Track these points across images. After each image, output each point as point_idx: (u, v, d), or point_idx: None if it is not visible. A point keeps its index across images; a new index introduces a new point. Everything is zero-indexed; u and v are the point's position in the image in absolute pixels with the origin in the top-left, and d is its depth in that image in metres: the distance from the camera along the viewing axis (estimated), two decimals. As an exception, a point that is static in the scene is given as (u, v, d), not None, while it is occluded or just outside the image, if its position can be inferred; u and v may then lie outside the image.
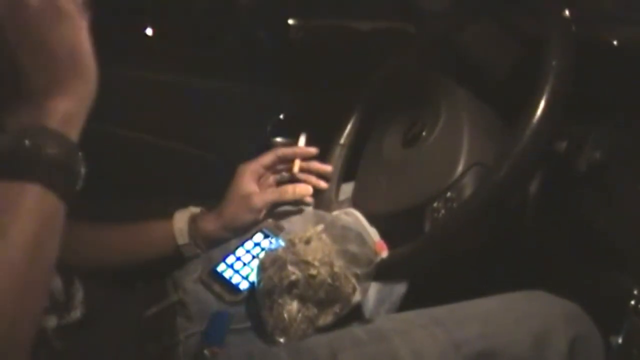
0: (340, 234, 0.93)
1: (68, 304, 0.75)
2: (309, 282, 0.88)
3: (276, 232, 1.04)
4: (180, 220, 1.03)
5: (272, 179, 1.12)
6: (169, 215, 1.05)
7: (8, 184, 0.55)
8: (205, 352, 0.86)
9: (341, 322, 0.89)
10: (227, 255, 1.02)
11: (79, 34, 0.59)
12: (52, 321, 0.71)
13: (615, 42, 0.93)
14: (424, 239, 0.91)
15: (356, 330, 0.86)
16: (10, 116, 0.56)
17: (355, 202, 1.09)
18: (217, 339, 0.89)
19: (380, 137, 1.12)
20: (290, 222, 1.06)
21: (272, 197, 1.05)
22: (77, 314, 0.76)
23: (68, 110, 0.58)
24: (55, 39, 0.57)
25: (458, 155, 0.94)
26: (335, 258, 0.89)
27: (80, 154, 0.58)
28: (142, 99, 1.39)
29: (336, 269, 0.88)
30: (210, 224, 1.04)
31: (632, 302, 0.81)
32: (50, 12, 0.56)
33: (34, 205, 0.55)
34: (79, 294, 0.78)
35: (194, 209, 1.06)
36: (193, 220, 1.04)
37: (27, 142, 0.55)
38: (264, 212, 1.05)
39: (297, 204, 1.09)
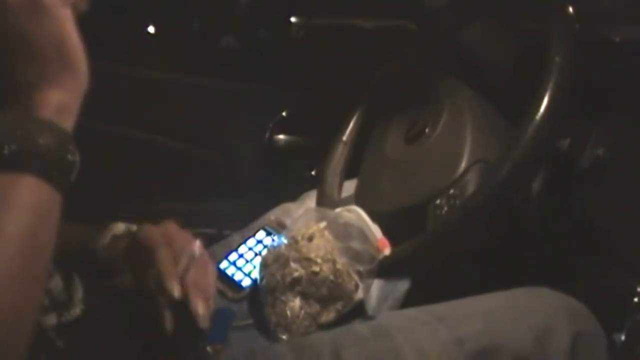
0: (343, 231, 0.93)
1: (68, 302, 0.75)
2: (312, 279, 0.88)
3: (279, 229, 1.04)
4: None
5: None
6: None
7: (1, 176, 0.54)
8: (208, 349, 0.86)
9: (344, 319, 0.89)
10: (230, 253, 1.02)
11: (63, 25, 0.57)
12: (51, 319, 0.71)
13: (617, 40, 0.93)
14: (427, 236, 0.91)
15: (359, 327, 0.86)
16: (1, 109, 0.56)
17: (358, 199, 1.09)
18: (220, 336, 0.89)
19: (382, 134, 1.12)
20: (292, 219, 1.06)
21: None
22: (77, 312, 0.75)
23: (60, 101, 0.57)
24: (38, 33, 0.56)
25: (461, 153, 0.95)
26: (337, 255, 0.90)
27: (74, 144, 0.57)
28: (143, 98, 1.39)
29: (339, 266, 0.88)
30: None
31: (635, 299, 0.81)
32: (28, 7, 0.55)
33: (29, 197, 0.54)
34: (79, 292, 0.78)
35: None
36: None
37: (19, 132, 0.54)
38: None
39: None
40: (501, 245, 0.98)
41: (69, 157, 0.57)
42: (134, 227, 0.87)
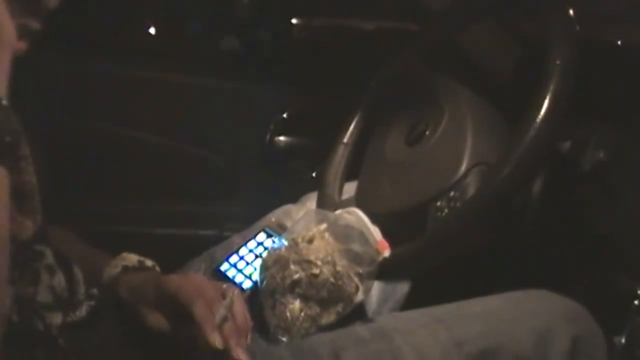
0: (343, 233, 0.93)
1: (72, 300, 0.75)
2: (312, 282, 0.88)
3: (279, 231, 1.04)
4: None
5: None
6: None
7: None
8: None
9: (344, 321, 0.89)
10: (230, 255, 1.02)
11: None
12: (57, 318, 0.71)
13: (619, 42, 0.93)
14: (427, 238, 0.91)
15: (359, 329, 0.86)
16: None
17: (358, 201, 1.09)
18: None
19: (383, 136, 1.12)
20: (293, 221, 1.06)
21: None
22: (82, 312, 0.75)
23: None
24: None
25: (461, 155, 0.94)
26: (338, 257, 0.89)
27: (9, 112, 0.55)
28: (144, 99, 1.39)
29: (339, 268, 0.88)
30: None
31: (636, 302, 0.81)
32: None
33: None
34: (82, 289, 0.78)
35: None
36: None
37: None
38: None
39: None
40: (501, 247, 0.98)
41: (6, 126, 0.54)
42: (149, 262, 0.85)
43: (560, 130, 0.87)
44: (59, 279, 0.72)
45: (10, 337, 0.59)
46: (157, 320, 0.77)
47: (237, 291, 0.77)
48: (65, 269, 0.74)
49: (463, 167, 0.93)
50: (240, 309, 0.76)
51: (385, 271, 0.92)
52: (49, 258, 0.71)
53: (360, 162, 1.16)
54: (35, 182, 0.70)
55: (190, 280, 0.77)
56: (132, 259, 0.84)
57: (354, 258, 0.90)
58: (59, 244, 0.74)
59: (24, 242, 0.67)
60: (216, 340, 0.70)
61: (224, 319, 0.73)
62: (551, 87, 0.84)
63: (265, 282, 0.91)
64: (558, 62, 0.85)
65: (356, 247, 0.91)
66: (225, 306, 0.74)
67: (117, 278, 0.82)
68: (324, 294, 0.88)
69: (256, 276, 0.95)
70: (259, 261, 0.97)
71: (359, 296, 0.89)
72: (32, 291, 0.68)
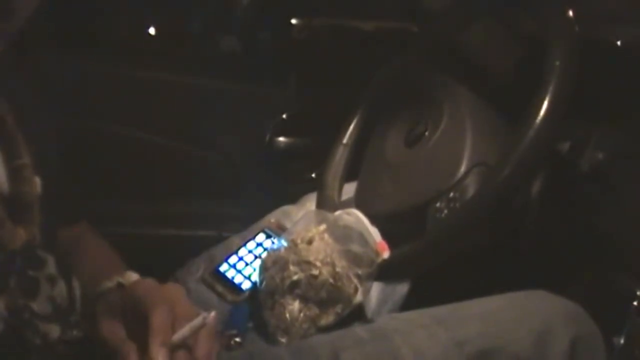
0: (343, 234, 0.93)
1: (72, 307, 0.74)
2: (311, 282, 0.88)
3: (279, 232, 1.04)
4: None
5: None
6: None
7: None
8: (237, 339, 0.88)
9: (343, 322, 0.89)
10: (230, 255, 1.02)
11: None
12: (54, 332, 0.69)
13: (618, 43, 0.93)
14: (426, 239, 0.91)
15: (358, 329, 0.86)
16: None
17: (358, 202, 1.09)
18: (240, 327, 0.90)
19: (383, 137, 1.12)
20: (292, 222, 1.06)
21: None
22: (80, 330, 0.73)
23: None
24: None
25: (461, 155, 0.95)
26: (337, 258, 0.90)
27: None
28: (144, 99, 1.39)
29: (338, 269, 0.88)
30: None
31: (635, 303, 0.81)
32: None
33: None
34: (78, 306, 0.76)
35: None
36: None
37: None
38: None
39: None
40: (500, 248, 0.98)
41: None
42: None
43: (560, 131, 0.88)
44: (60, 289, 0.71)
45: (2, 347, 0.59)
46: (110, 329, 0.66)
47: (213, 316, 0.63)
48: (66, 280, 0.72)
49: (463, 168, 0.93)
50: (207, 340, 0.63)
51: (384, 272, 0.92)
52: (51, 267, 0.69)
53: (360, 162, 1.16)
54: (35, 193, 0.68)
55: (166, 288, 0.68)
56: (130, 277, 0.74)
57: (353, 259, 0.90)
58: (67, 247, 0.73)
59: (13, 250, 0.65)
60: (159, 356, 0.58)
61: (183, 342, 0.60)
62: (551, 88, 0.84)
63: (264, 283, 0.91)
64: (558, 62, 0.85)
65: (355, 248, 0.91)
66: (192, 327, 0.61)
67: (103, 293, 0.72)
68: (323, 295, 0.88)
69: (255, 277, 0.95)
70: (258, 262, 0.97)
71: (358, 297, 0.89)
72: (29, 301, 0.66)
